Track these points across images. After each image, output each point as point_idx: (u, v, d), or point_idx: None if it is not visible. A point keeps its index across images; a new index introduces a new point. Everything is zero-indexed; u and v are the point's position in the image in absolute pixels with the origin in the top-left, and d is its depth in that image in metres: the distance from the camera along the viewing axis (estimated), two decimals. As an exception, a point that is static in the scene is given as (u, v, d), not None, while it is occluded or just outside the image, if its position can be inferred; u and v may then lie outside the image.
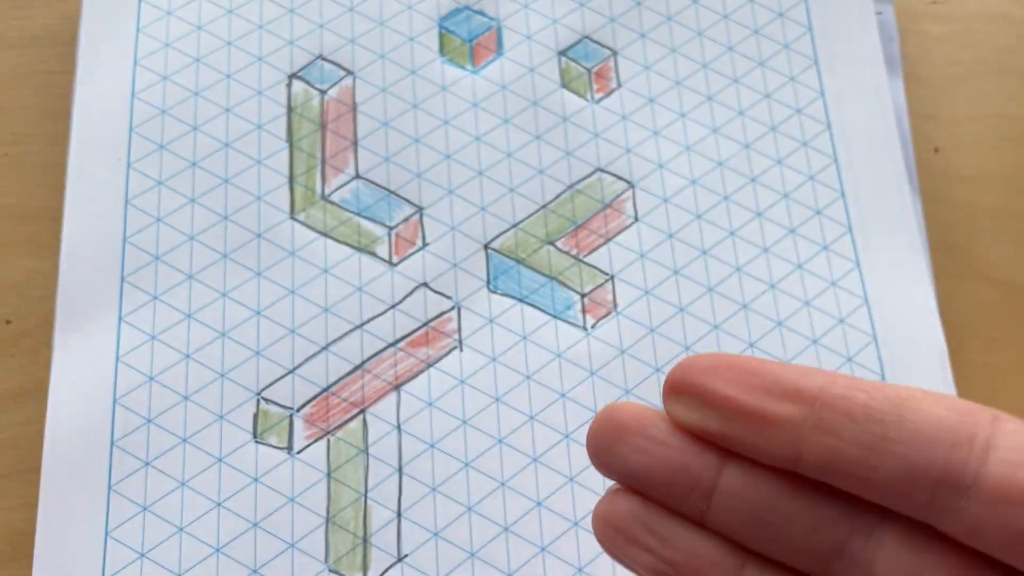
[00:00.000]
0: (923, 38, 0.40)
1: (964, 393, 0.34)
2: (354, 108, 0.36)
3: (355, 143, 0.36)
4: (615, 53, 0.38)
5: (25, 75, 0.37)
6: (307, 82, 0.36)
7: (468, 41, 0.37)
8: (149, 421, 0.32)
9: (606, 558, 0.31)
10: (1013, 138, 0.38)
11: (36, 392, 0.32)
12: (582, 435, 0.32)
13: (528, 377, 0.33)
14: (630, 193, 0.36)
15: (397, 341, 0.33)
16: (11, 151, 0.36)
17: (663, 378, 0.33)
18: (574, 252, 0.35)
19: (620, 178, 0.36)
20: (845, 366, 0.34)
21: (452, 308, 0.34)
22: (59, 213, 0.34)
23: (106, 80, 0.36)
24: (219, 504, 0.31)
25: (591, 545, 0.31)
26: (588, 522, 0.31)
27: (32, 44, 0.37)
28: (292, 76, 0.36)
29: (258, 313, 0.33)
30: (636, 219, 0.35)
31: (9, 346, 0.33)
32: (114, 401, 0.32)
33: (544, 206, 0.35)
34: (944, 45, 0.40)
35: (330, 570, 0.31)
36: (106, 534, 0.30)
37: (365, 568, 0.31)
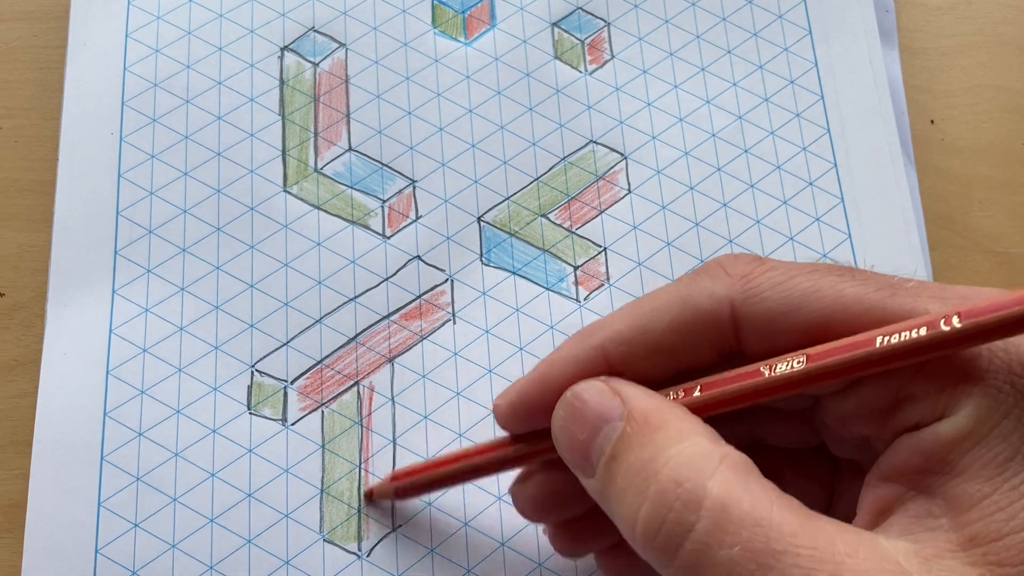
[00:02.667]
0: (919, 10, 0.39)
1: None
2: (346, 80, 0.36)
3: (348, 116, 0.36)
4: (608, 24, 0.37)
5: (19, 49, 0.37)
6: (299, 54, 0.36)
7: (461, 13, 0.37)
8: (142, 392, 0.32)
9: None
10: (1009, 110, 0.38)
11: (30, 364, 0.33)
12: (575, 406, 0.32)
13: (521, 349, 0.33)
14: (623, 165, 0.36)
15: (391, 314, 0.33)
16: (5, 125, 0.36)
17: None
18: (567, 224, 0.35)
19: (613, 150, 0.36)
20: (838, 337, 0.34)
21: (445, 281, 0.34)
22: (53, 187, 0.34)
23: (97, 53, 0.36)
24: (213, 475, 0.31)
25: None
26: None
27: (26, 18, 0.37)
28: (284, 48, 0.36)
29: (251, 286, 0.33)
30: (629, 191, 0.35)
31: (3, 318, 0.33)
32: (107, 373, 0.32)
33: (537, 178, 0.35)
34: (940, 17, 0.39)
35: (324, 540, 0.31)
36: (99, 505, 0.30)
37: (359, 538, 0.31)
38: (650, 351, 0.24)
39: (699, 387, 0.23)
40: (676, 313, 0.24)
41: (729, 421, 0.23)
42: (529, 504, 0.27)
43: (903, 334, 0.21)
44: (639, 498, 0.21)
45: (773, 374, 0.22)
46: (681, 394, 0.24)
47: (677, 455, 0.21)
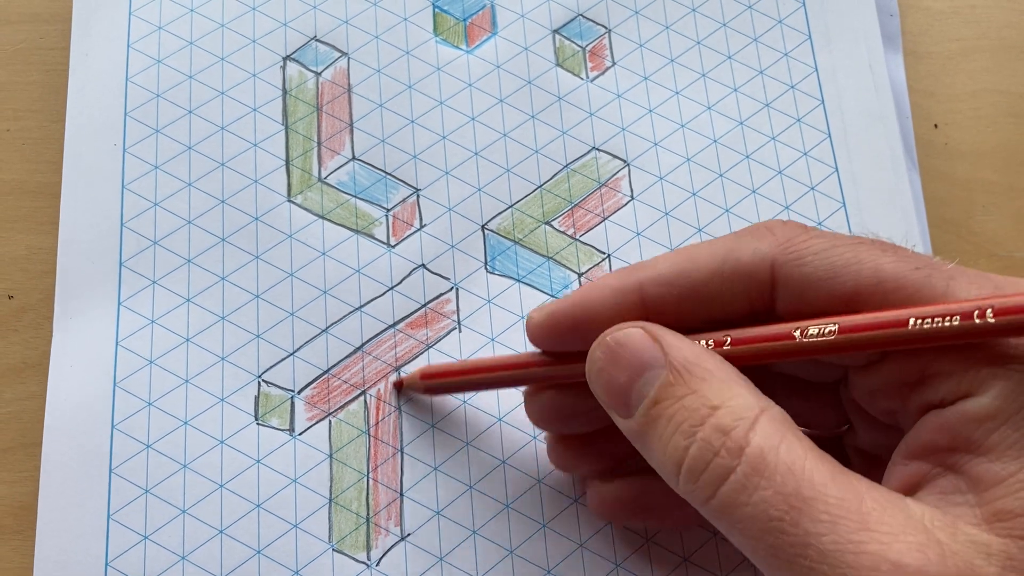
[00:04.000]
0: (924, 14, 0.40)
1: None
2: (349, 89, 0.36)
3: (351, 125, 0.36)
4: (609, 31, 0.38)
5: (26, 51, 0.37)
6: (302, 64, 0.36)
7: (462, 20, 0.37)
8: (150, 404, 0.32)
9: (606, 533, 0.31)
10: (1013, 114, 0.38)
11: (39, 366, 0.33)
12: (581, 413, 0.33)
13: (527, 356, 0.33)
14: (626, 171, 0.36)
15: (396, 323, 0.33)
16: (12, 127, 0.36)
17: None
18: (570, 231, 0.35)
19: (615, 157, 0.36)
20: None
21: (450, 289, 0.34)
22: (60, 189, 0.34)
23: (99, 64, 0.36)
24: (221, 486, 0.31)
25: (591, 521, 0.31)
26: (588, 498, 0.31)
27: (32, 20, 0.37)
28: (286, 58, 0.36)
29: (257, 296, 0.33)
30: (632, 197, 0.35)
31: (12, 321, 0.33)
32: (114, 385, 0.32)
33: (540, 186, 0.35)
34: (945, 21, 0.40)
35: (334, 549, 0.31)
36: (108, 517, 0.31)
37: (368, 547, 0.31)
38: (687, 297, 0.25)
39: (729, 339, 0.24)
40: (718, 263, 0.25)
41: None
42: (538, 414, 0.29)
43: (936, 320, 0.21)
44: (686, 441, 0.22)
45: (804, 338, 0.23)
46: (711, 343, 0.25)
47: (723, 406, 0.22)
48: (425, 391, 0.31)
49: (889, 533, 0.20)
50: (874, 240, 0.24)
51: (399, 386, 0.32)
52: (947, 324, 0.21)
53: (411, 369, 0.33)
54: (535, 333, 0.27)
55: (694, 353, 0.23)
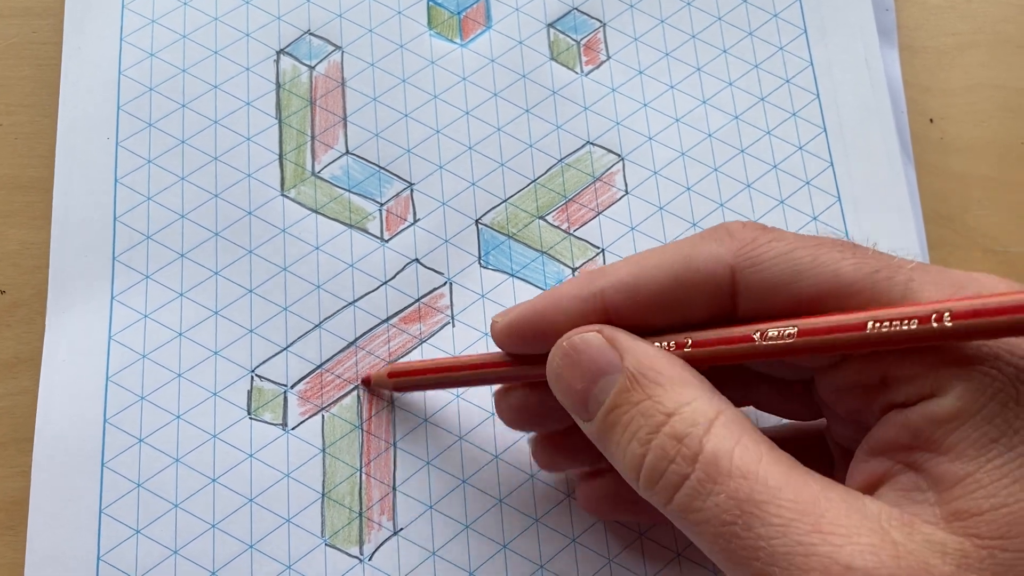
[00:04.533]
0: (919, 9, 0.39)
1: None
2: (343, 83, 0.36)
3: (344, 119, 0.36)
4: (604, 24, 0.37)
5: (18, 46, 0.37)
6: (295, 58, 0.36)
7: (456, 14, 0.37)
8: (142, 398, 0.32)
9: (599, 528, 0.31)
10: (1008, 108, 0.38)
11: (31, 361, 0.33)
12: (574, 408, 0.33)
13: (520, 351, 0.33)
14: (620, 166, 0.36)
15: (390, 317, 0.33)
16: (4, 121, 0.36)
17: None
18: (565, 226, 0.35)
19: (610, 151, 0.36)
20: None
21: (444, 284, 0.34)
22: (53, 184, 0.34)
23: (92, 58, 0.36)
24: (214, 480, 0.31)
25: (584, 516, 0.31)
26: (577, 496, 0.31)
27: (24, 14, 0.37)
28: (280, 52, 0.36)
29: (250, 291, 0.33)
30: (626, 192, 0.35)
31: (4, 315, 0.33)
32: (107, 379, 0.32)
33: (534, 180, 0.35)
34: (940, 16, 0.39)
35: (326, 544, 0.31)
36: (100, 511, 0.31)
37: (361, 542, 0.31)
38: (647, 303, 0.25)
39: (690, 341, 0.24)
40: (678, 270, 0.25)
41: (725, 385, 0.24)
42: (508, 413, 0.29)
43: (894, 324, 0.21)
44: (641, 448, 0.22)
45: (764, 341, 0.23)
46: (672, 345, 0.24)
47: (677, 413, 0.22)
48: (394, 388, 0.31)
49: (843, 535, 0.20)
50: (835, 241, 0.24)
51: (367, 383, 0.32)
52: (905, 328, 0.21)
53: (409, 363, 0.32)
54: (499, 338, 0.27)
55: (649, 357, 0.23)
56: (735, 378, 0.25)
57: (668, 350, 0.24)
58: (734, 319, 0.24)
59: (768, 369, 0.27)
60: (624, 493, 0.29)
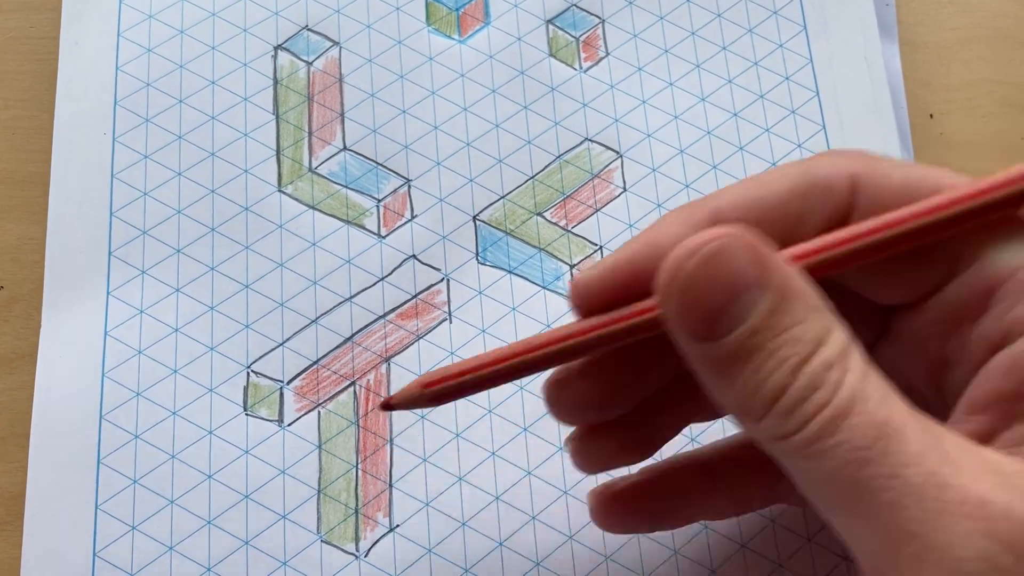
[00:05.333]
0: (919, 4, 0.39)
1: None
2: (340, 79, 0.36)
3: (342, 115, 0.35)
4: (603, 21, 0.37)
5: (16, 40, 0.37)
6: (293, 53, 0.36)
7: (455, 10, 0.37)
8: (138, 394, 0.32)
9: (595, 527, 0.31)
10: (1008, 104, 0.38)
11: (30, 357, 0.32)
12: (572, 405, 0.32)
13: (517, 348, 0.33)
14: (618, 163, 0.36)
15: (386, 313, 0.33)
16: (2, 116, 0.36)
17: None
18: (563, 223, 0.35)
19: (608, 148, 0.36)
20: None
21: (441, 280, 0.34)
22: (50, 188, 0.34)
23: (89, 53, 0.35)
24: (210, 476, 0.31)
25: (581, 513, 0.31)
26: (578, 490, 0.31)
27: (22, 8, 0.37)
28: (278, 47, 0.36)
29: (247, 287, 0.33)
30: (624, 189, 0.35)
31: (2, 311, 0.33)
32: (102, 375, 0.32)
33: (532, 177, 0.35)
34: (940, 11, 0.39)
35: (322, 540, 0.31)
36: (96, 507, 0.30)
37: (357, 538, 0.31)
38: (764, 218, 0.23)
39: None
40: (795, 181, 0.23)
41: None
42: (571, 397, 0.26)
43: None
44: (788, 378, 0.20)
45: (878, 234, 0.23)
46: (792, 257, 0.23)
47: (824, 341, 0.21)
48: (429, 403, 0.25)
49: (972, 471, 0.19)
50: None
51: (389, 406, 0.26)
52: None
53: (410, 364, 0.32)
54: (589, 286, 0.23)
55: (794, 277, 0.21)
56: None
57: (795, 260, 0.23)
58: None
59: (863, 289, 0.25)
60: (649, 498, 0.28)
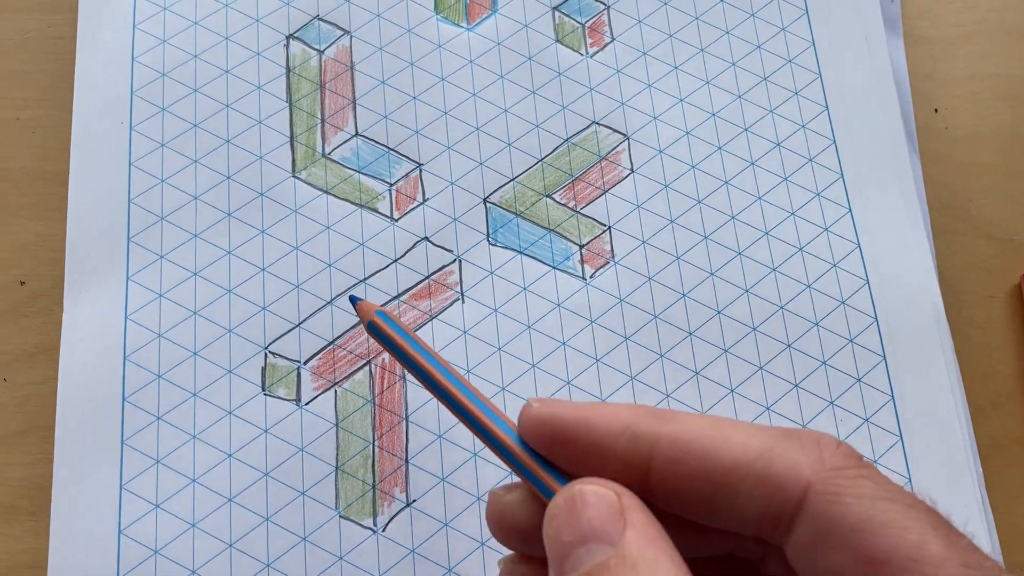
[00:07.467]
0: (922, -2, 0.40)
1: (962, 349, 0.35)
2: (352, 67, 0.37)
3: (354, 102, 0.36)
4: (608, 7, 0.38)
5: (35, 40, 0.37)
6: (305, 42, 0.37)
7: (462, -2, 0.38)
8: (159, 377, 0.32)
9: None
10: (1011, 97, 0.39)
11: (51, 351, 0.33)
12: (583, 382, 0.33)
13: (529, 327, 0.34)
14: (625, 145, 0.36)
15: (400, 294, 0.34)
16: (21, 115, 0.36)
17: (661, 324, 0.34)
18: (572, 204, 0.35)
19: (615, 131, 0.36)
20: (839, 309, 0.34)
21: (453, 261, 0.34)
22: (69, 177, 0.35)
23: (106, 45, 0.36)
24: (230, 455, 0.32)
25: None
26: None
27: (41, 9, 0.38)
28: (290, 37, 0.37)
29: (263, 270, 0.34)
30: (632, 170, 0.36)
31: (24, 306, 0.34)
32: (124, 358, 0.32)
33: (541, 159, 0.36)
34: (944, 6, 0.40)
35: (341, 516, 0.31)
36: (121, 487, 0.31)
37: (375, 513, 0.31)
38: (700, 476, 0.22)
39: None
40: (751, 458, 0.21)
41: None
42: (503, 537, 0.25)
43: None
44: None
45: None
46: None
47: None
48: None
49: None
50: (930, 511, 0.21)
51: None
52: None
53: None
54: (531, 424, 0.23)
55: (653, 548, 0.20)
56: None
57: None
58: (781, 539, 0.22)
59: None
60: None
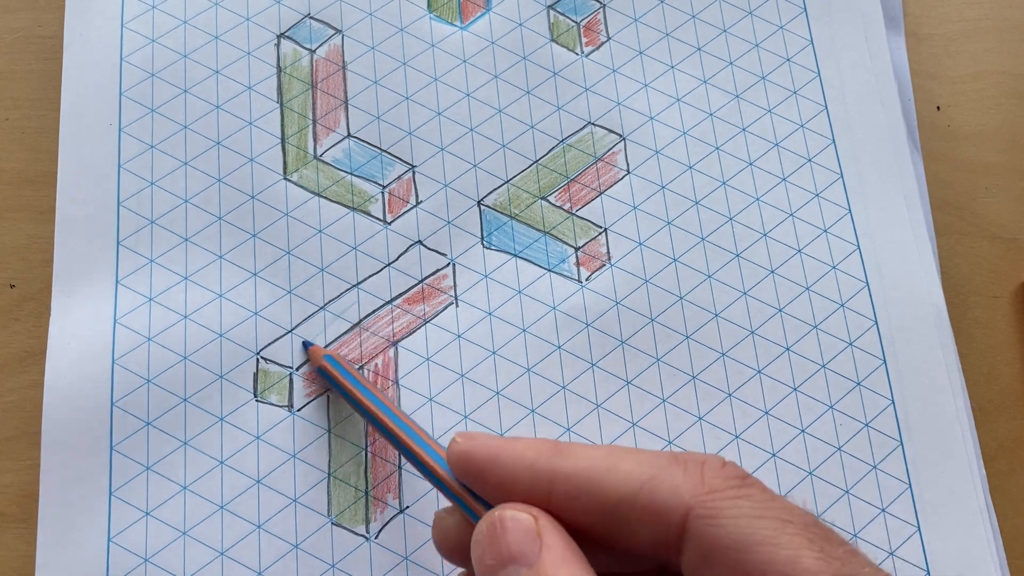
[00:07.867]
0: (924, -5, 0.40)
1: (965, 350, 0.35)
2: (343, 67, 0.36)
3: (346, 102, 0.36)
4: (603, 5, 0.38)
5: (23, 39, 0.37)
6: (296, 42, 0.36)
7: (456, -3, 0.37)
8: (148, 381, 0.32)
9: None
10: (1015, 95, 0.38)
11: (40, 355, 0.33)
12: (579, 386, 0.33)
13: (524, 330, 0.33)
14: (621, 146, 0.36)
15: (394, 299, 0.33)
16: (11, 116, 0.36)
17: (657, 328, 0.34)
18: (567, 206, 0.35)
19: (611, 131, 0.36)
20: (839, 312, 0.34)
21: (447, 265, 0.34)
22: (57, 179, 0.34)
23: (94, 44, 0.36)
24: (222, 462, 0.31)
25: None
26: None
27: (29, 8, 0.37)
28: (281, 36, 0.36)
29: (254, 274, 0.33)
30: (628, 171, 0.35)
31: (13, 310, 0.34)
32: (113, 362, 0.32)
33: (536, 161, 0.35)
34: (947, 2, 0.39)
35: (333, 523, 0.31)
36: (110, 494, 0.31)
37: (367, 520, 0.31)
38: (592, 509, 0.23)
39: None
40: (634, 489, 0.23)
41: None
42: (446, 544, 0.26)
43: None
44: None
45: None
46: None
47: None
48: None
49: None
50: (809, 522, 0.22)
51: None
52: None
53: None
54: (454, 458, 0.25)
55: (568, 570, 0.22)
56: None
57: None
58: (673, 563, 0.23)
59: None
60: None
